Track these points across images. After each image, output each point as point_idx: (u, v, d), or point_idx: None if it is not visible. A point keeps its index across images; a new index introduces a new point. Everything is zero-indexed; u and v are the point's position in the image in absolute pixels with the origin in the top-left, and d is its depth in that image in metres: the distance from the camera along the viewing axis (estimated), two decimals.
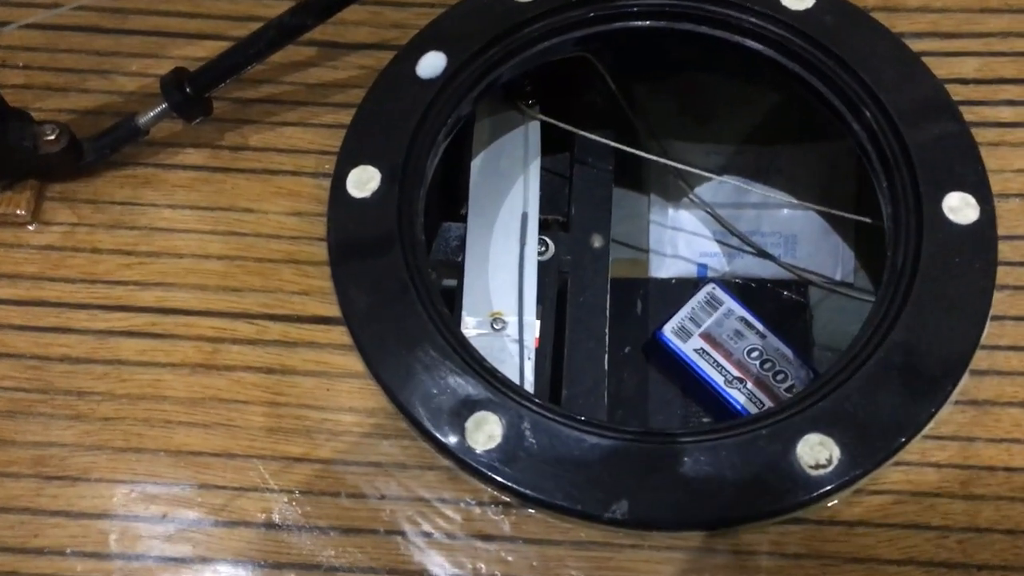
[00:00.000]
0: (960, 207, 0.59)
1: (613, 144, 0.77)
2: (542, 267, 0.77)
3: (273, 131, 0.65)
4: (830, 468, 0.53)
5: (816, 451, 0.54)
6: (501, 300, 0.73)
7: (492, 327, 0.72)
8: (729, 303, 0.83)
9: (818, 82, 0.64)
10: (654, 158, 0.80)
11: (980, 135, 0.62)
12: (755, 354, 0.81)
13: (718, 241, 0.92)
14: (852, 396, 0.55)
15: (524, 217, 0.76)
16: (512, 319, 0.71)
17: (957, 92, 0.64)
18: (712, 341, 0.82)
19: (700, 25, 0.68)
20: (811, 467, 0.53)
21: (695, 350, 0.82)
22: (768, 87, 0.83)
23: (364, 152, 0.63)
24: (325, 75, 0.67)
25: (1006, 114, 0.64)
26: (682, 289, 0.89)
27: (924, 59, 0.64)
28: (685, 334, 0.82)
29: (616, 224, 0.81)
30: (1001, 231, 0.59)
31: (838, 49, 0.64)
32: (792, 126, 0.91)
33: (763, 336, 0.82)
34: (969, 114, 0.63)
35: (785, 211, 0.91)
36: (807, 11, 0.66)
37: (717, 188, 0.91)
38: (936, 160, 0.60)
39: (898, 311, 0.56)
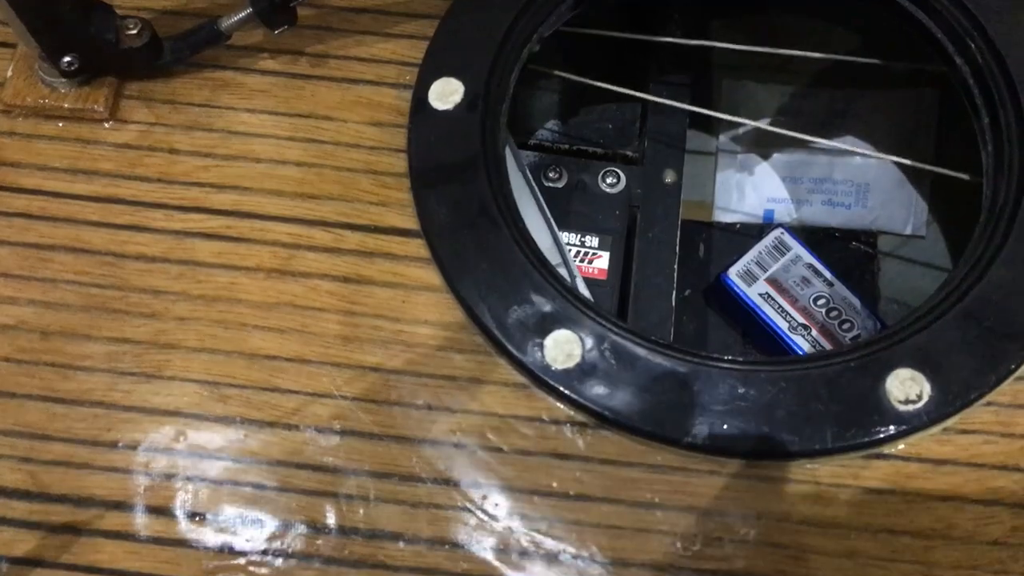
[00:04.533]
0: None
1: (700, 41, 0.74)
2: (612, 199, 0.76)
3: (355, 40, 0.64)
4: (920, 404, 0.52)
5: (907, 386, 0.52)
6: None
7: None
8: (797, 249, 0.82)
9: (920, 12, 0.62)
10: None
11: None
12: (821, 301, 0.79)
13: (787, 187, 0.90)
14: (946, 332, 0.53)
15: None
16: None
17: None
18: (778, 286, 0.80)
19: None
20: (900, 402, 0.52)
21: (760, 294, 0.80)
22: (859, 23, 0.80)
23: (448, 64, 0.61)
24: None
25: None
26: (747, 234, 0.87)
27: None
28: (751, 278, 0.81)
29: None
30: None
31: None
32: (871, 72, 0.88)
33: (830, 284, 0.80)
34: None
35: (858, 159, 0.89)
36: None
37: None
38: None
39: (998, 248, 0.55)
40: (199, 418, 0.54)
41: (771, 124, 0.88)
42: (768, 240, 0.82)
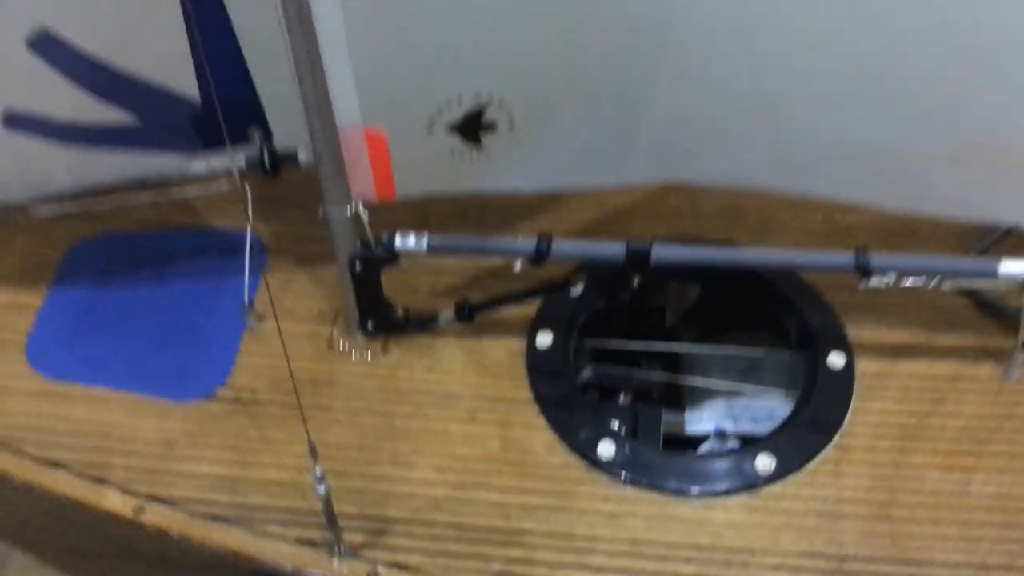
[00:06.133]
0: (836, 360, 1.24)
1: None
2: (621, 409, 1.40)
3: (498, 312, 1.31)
4: (770, 471, 1.14)
5: (763, 463, 1.15)
6: None
7: None
8: (731, 444, 1.44)
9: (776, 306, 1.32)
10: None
11: (848, 324, 1.27)
12: None
13: (726, 413, 1.53)
14: (782, 441, 1.16)
15: None
16: None
17: (839, 306, 1.30)
18: None
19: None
20: (760, 470, 1.15)
21: None
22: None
23: (544, 325, 1.29)
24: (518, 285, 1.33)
25: (867, 316, 1.28)
26: (703, 438, 1.50)
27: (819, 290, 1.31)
28: None
29: None
30: (857, 372, 1.23)
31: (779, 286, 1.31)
32: (769, 339, 1.54)
33: None
34: (845, 318, 1.28)
35: (771, 396, 1.52)
36: None
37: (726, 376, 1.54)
38: (824, 336, 1.25)
39: (807, 400, 1.20)
40: (432, 466, 1.16)
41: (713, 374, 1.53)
42: (713, 439, 1.45)
